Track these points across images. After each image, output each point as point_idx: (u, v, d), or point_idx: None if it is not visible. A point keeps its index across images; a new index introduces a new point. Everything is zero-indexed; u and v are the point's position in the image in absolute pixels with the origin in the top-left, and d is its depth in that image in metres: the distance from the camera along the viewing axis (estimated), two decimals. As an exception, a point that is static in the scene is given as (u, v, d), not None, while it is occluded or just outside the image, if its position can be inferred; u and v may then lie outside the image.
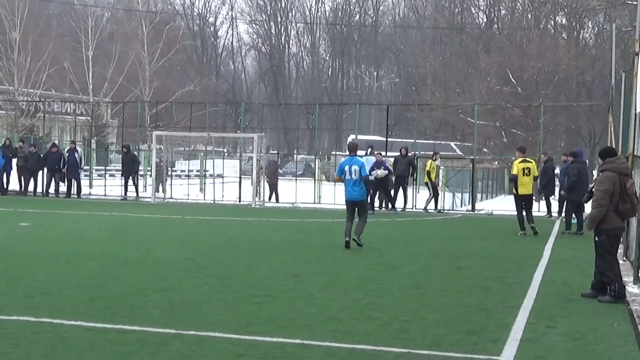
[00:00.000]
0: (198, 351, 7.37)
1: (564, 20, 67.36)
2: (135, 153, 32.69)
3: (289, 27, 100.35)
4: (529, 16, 64.86)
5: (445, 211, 28.78)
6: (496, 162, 52.80)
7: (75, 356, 7.07)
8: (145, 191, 34.96)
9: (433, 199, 27.39)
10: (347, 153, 16.09)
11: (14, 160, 31.14)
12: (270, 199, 31.53)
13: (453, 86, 68.03)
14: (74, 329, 8.10)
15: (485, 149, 51.50)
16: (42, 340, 7.61)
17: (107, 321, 8.41)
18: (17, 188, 31.35)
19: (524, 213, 19.35)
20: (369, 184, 17.13)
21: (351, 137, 55.37)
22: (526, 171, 19.28)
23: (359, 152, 16.52)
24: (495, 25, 76.47)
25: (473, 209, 29.54)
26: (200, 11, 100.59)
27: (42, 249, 14.50)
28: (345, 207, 16.19)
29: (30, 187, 31.29)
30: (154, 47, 58.85)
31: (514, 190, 19.56)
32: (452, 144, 61.82)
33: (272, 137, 77.67)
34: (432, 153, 29.23)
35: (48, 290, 10.22)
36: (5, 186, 31.15)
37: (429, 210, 27.13)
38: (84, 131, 47.20)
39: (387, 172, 25.33)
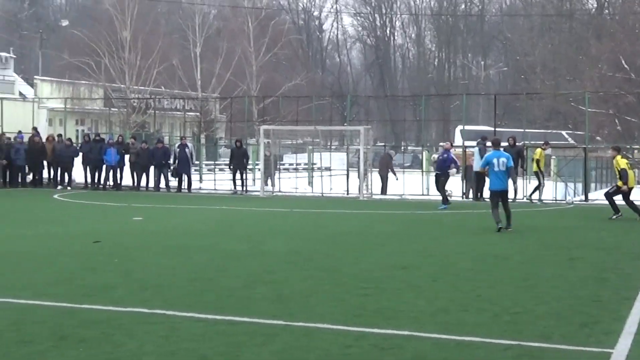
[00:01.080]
0: (307, 342, 7.40)
1: (679, 2, 64.96)
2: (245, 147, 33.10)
3: (394, 18, 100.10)
4: (642, 0, 62.74)
5: (557, 201, 28.21)
6: (610, 151, 51.30)
7: (187, 346, 7.20)
8: (254, 185, 35.36)
9: (539, 189, 26.96)
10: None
11: (127, 157, 31.95)
12: (381, 191, 31.44)
13: (563, 74, 66.36)
14: (185, 320, 8.24)
15: (598, 137, 50.14)
16: (156, 331, 7.77)
17: (217, 313, 8.53)
18: (130, 184, 32.16)
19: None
20: (514, 175, 18.18)
21: (459, 128, 54.87)
22: (628, 165, 21.27)
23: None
24: (606, 11, 74.24)
25: (586, 199, 28.83)
26: (305, 5, 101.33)
27: (154, 242, 14.83)
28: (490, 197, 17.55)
29: (143, 183, 32.02)
30: (260, 42, 59.58)
31: (619, 183, 20.67)
32: (563, 132, 60.42)
33: (378, 129, 77.43)
34: (542, 142, 28.74)
35: (160, 282, 10.43)
36: (119, 182, 32.01)
37: (533, 200, 26.66)
38: (193, 126, 48.14)
39: (456, 169, 25.35)
